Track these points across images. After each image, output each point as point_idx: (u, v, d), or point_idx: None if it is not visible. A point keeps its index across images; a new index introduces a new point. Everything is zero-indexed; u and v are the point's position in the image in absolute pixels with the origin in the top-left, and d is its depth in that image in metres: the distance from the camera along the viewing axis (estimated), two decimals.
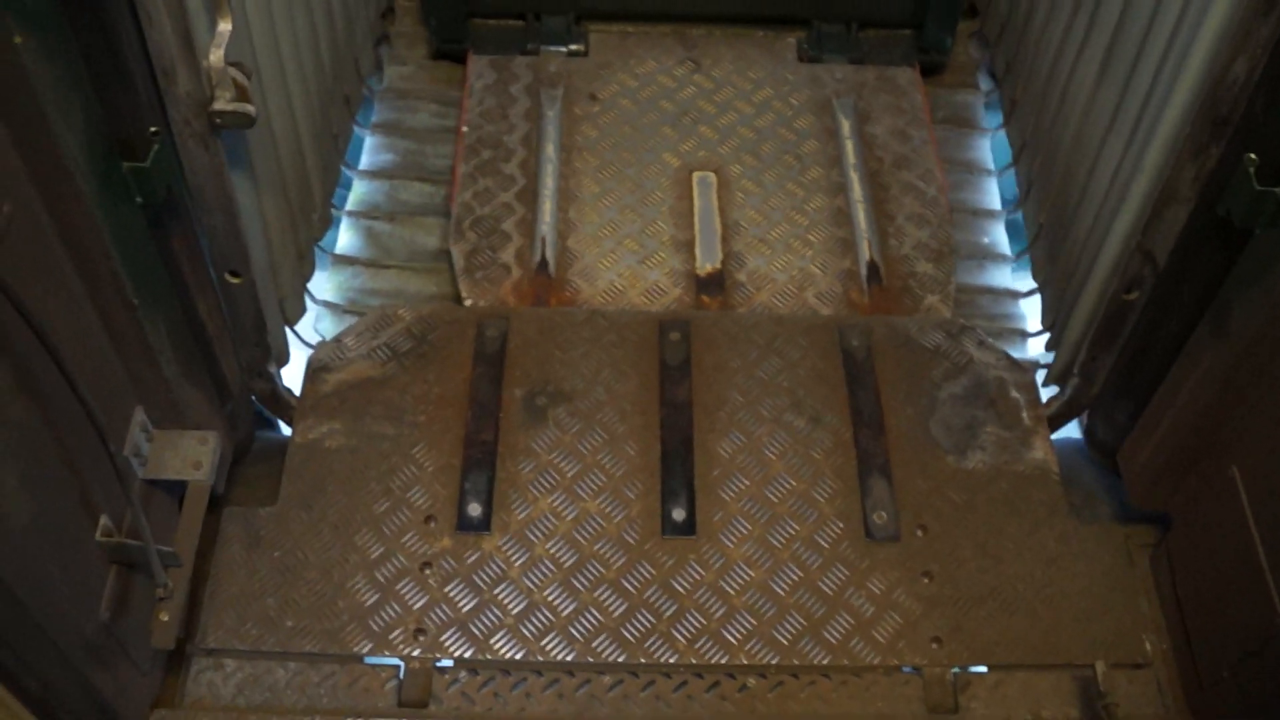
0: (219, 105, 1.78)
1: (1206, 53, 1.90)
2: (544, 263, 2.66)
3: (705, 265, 2.69)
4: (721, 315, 2.56)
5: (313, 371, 2.39)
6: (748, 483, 2.30)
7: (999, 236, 2.91)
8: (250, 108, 1.80)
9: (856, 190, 2.85)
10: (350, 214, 2.82)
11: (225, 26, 1.75)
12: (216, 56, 1.75)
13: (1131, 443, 2.28)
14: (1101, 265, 2.25)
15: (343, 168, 2.83)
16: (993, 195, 2.99)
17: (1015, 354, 2.58)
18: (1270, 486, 1.90)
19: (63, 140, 1.56)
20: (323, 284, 2.67)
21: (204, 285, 2.02)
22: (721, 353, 2.47)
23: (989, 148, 3.09)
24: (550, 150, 2.89)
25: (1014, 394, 2.45)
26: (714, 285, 2.65)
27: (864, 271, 2.69)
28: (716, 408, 2.39)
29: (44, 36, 1.51)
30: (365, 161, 2.94)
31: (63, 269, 1.63)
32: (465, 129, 2.93)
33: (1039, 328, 2.68)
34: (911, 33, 3.17)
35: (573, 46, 3.12)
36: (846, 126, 2.99)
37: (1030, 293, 2.76)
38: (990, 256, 2.86)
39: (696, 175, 2.87)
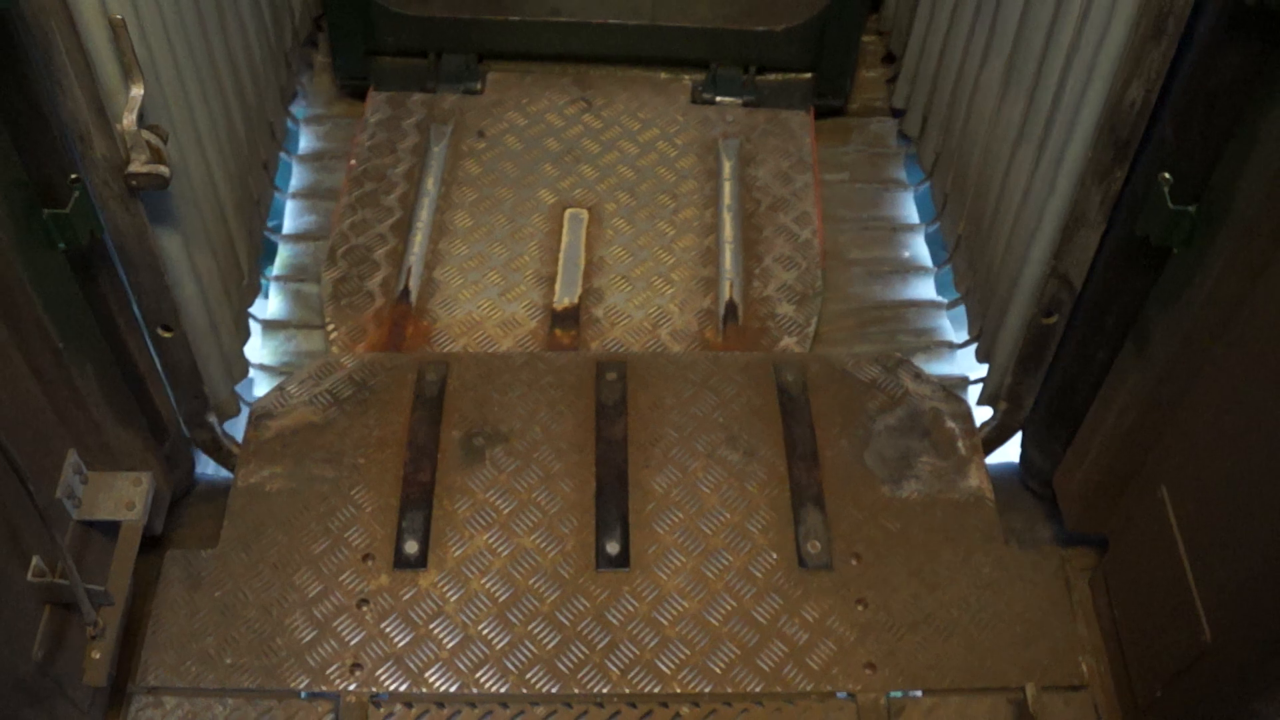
0: (134, 168, 1.83)
1: (1105, 78, 1.96)
2: (406, 291, 2.72)
3: (563, 300, 2.74)
4: (658, 355, 2.61)
5: (256, 418, 2.44)
6: (681, 516, 2.33)
7: (920, 250, 2.98)
8: (164, 169, 1.84)
9: (727, 231, 2.89)
10: (278, 279, 2.85)
11: (138, 91, 1.80)
12: (129, 120, 1.80)
13: (1065, 467, 2.30)
14: (1021, 289, 2.29)
15: (267, 234, 2.86)
16: (911, 210, 3.08)
17: (944, 366, 2.61)
18: (1197, 505, 1.92)
19: None
20: (256, 349, 2.70)
21: (133, 328, 2.07)
22: (657, 391, 2.52)
23: (905, 172, 3.18)
24: (430, 184, 2.95)
25: (949, 424, 2.48)
26: (568, 320, 2.70)
27: (721, 311, 2.72)
28: (651, 444, 2.43)
29: None
30: (288, 226, 2.97)
31: None
32: (353, 161, 2.99)
33: (964, 338, 2.73)
34: (810, 77, 3.22)
35: (469, 85, 3.18)
36: (728, 168, 3.04)
37: (954, 303, 2.80)
38: (912, 270, 2.91)
39: (569, 212, 2.93)
